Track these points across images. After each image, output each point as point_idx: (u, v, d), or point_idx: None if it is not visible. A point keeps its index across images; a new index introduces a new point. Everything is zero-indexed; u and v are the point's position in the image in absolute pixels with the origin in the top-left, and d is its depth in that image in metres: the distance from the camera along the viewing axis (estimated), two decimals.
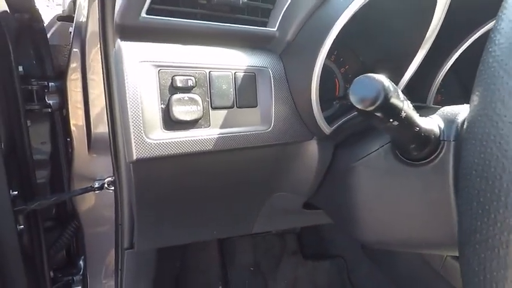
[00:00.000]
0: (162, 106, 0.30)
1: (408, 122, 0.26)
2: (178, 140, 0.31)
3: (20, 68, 0.49)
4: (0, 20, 0.42)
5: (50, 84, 0.54)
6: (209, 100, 0.32)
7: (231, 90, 0.34)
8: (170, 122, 0.31)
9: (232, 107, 0.34)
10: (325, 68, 0.50)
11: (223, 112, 0.33)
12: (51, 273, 0.61)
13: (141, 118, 0.29)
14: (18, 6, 0.45)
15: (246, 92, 0.35)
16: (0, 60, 0.42)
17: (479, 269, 0.19)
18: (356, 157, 0.42)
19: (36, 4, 0.50)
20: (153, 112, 0.30)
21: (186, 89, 0.31)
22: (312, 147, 0.43)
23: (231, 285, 0.98)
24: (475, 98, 0.21)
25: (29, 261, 0.52)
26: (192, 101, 0.31)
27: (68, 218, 0.65)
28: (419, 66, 0.41)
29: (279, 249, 1.10)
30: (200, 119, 0.32)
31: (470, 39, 0.46)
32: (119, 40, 0.30)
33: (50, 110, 0.55)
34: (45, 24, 0.55)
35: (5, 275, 0.47)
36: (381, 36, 0.44)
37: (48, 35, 0.56)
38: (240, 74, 0.34)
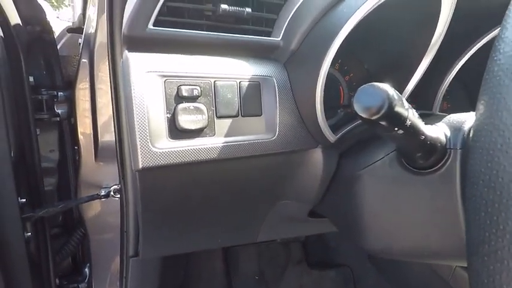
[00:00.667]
0: (168, 115, 0.31)
1: (413, 131, 0.25)
2: (184, 148, 0.31)
3: (31, 79, 0.50)
4: (13, 32, 0.43)
5: (59, 93, 0.55)
6: (214, 109, 0.33)
7: (236, 99, 0.34)
8: (175, 131, 0.31)
9: (237, 116, 0.34)
10: (329, 76, 0.50)
11: (228, 121, 0.34)
12: (57, 281, 0.61)
13: (147, 127, 0.29)
14: (30, 18, 0.46)
15: (250, 101, 0.35)
16: (12, 71, 0.43)
17: (488, 281, 0.18)
18: (361, 165, 0.41)
19: (47, 17, 0.51)
20: (159, 121, 0.30)
21: (192, 99, 0.32)
22: (317, 155, 0.43)
23: None
24: (480, 107, 0.21)
25: (36, 268, 0.52)
26: (198, 110, 0.32)
27: (75, 225, 0.65)
28: (424, 74, 0.41)
29: (283, 258, 1.09)
30: (205, 127, 0.32)
31: (475, 47, 0.46)
32: (126, 51, 0.31)
33: (58, 118, 0.56)
34: (55, 36, 0.57)
35: (12, 282, 0.47)
36: (385, 44, 0.44)
37: (58, 46, 0.57)
38: (245, 83, 0.34)
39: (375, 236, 0.42)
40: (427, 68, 0.41)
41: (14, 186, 0.44)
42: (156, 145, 0.30)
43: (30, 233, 0.49)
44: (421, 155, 0.30)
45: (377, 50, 0.47)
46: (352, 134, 0.43)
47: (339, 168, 0.45)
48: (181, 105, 0.31)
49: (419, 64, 0.41)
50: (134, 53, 0.31)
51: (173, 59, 0.32)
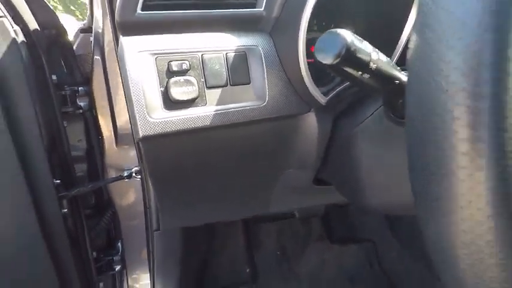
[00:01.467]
0: (162, 89, 0.35)
1: (382, 74, 0.27)
2: (178, 118, 0.35)
3: (54, 77, 0.56)
4: (33, 37, 0.49)
5: (79, 89, 0.61)
6: (204, 80, 0.36)
7: (224, 70, 0.37)
8: (170, 103, 0.35)
9: (226, 86, 0.37)
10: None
11: (218, 90, 0.37)
12: (94, 254, 0.70)
13: (143, 100, 0.34)
14: (46, 23, 0.52)
15: (238, 70, 0.38)
16: (37, 71, 0.49)
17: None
18: (354, 124, 0.43)
19: (61, 21, 0.57)
20: (154, 95, 0.34)
21: (182, 72, 0.35)
22: (311, 119, 0.45)
23: (258, 268, 1.02)
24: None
25: (74, 241, 0.60)
26: (188, 82, 0.35)
27: (105, 206, 0.73)
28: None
29: (304, 233, 1.12)
30: (197, 98, 0.36)
31: None
32: (121, 36, 0.35)
33: (81, 111, 0.63)
34: (71, 37, 0.63)
35: (56, 254, 0.55)
36: (368, 5, 0.45)
37: (74, 47, 0.63)
38: (231, 54, 0.37)
39: (371, 191, 0.44)
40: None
41: (49, 170, 0.51)
42: (153, 116, 0.34)
43: (66, 210, 0.56)
44: (402, 102, 0.31)
45: (362, 12, 0.47)
46: (344, 96, 0.44)
47: (334, 131, 0.47)
48: (172, 79, 0.35)
49: (406, 21, 0.42)
50: (127, 37, 0.35)
51: (162, 38, 0.35)
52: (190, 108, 0.36)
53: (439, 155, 0.16)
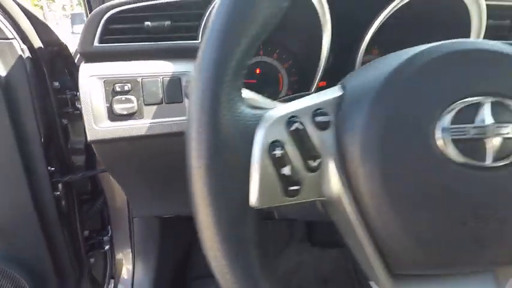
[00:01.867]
0: (107, 105, 0.45)
1: None
2: (119, 127, 0.45)
3: (56, 83, 0.69)
4: (37, 52, 0.62)
5: (77, 93, 0.74)
6: (142, 99, 0.46)
7: (160, 91, 0.46)
8: (113, 116, 0.45)
9: (162, 103, 0.47)
10: (269, 65, 0.60)
11: (154, 107, 0.46)
12: (86, 233, 0.83)
13: (91, 113, 0.44)
14: (49, 42, 0.65)
15: (172, 91, 0.47)
16: (39, 80, 0.62)
17: None
18: None
19: (62, 39, 0.70)
20: (101, 109, 0.44)
21: (124, 92, 0.45)
22: None
23: None
24: None
25: (66, 220, 0.73)
26: (129, 100, 0.45)
27: (99, 193, 0.86)
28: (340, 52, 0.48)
29: (287, 235, 1.18)
30: (135, 112, 0.46)
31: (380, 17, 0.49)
32: (82, 62, 0.46)
33: (79, 111, 0.76)
34: (72, 50, 0.76)
35: (47, 229, 0.68)
36: (298, 35, 0.52)
37: (76, 58, 0.76)
38: (167, 78, 0.47)
39: None
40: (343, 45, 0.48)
41: (44, 159, 0.64)
42: (99, 125, 0.45)
43: (59, 192, 0.69)
44: None
45: (298, 40, 0.54)
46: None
47: None
48: (116, 98, 0.45)
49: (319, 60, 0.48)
50: (85, 64, 0.45)
51: (112, 65, 0.46)
52: (130, 121, 0.46)
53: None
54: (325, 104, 0.24)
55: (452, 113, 0.22)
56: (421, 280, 0.26)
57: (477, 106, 0.22)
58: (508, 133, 0.22)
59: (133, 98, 0.45)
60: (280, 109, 0.23)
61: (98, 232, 0.89)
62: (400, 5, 0.46)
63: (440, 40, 0.24)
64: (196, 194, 0.22)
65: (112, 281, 0.94)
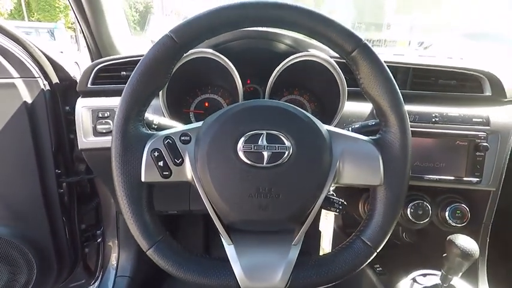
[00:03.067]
0: (93, 125, 0.67)
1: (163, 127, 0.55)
2: (101, 140, 0.67)
3: (67, 108, 0.93)
4: (54, 86, 0.87)
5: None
6: None
7: None
8: (96, 133, 0.67)
9: None
10: (214, 100, 0.82)
11: None
12: (83, 226, 1.04)
13: (82, 131, 0.66)
14: (63, 78, 0.90)
15: None
16: (53, 106, 0.86)
17: None
18: None
19: (72, 75, 0.95)
20: (88, 128, 0.67)
21: (104, 118, 0.67)
22: None
23: (212, 255, 1.26)
24: None
25: (67, 213, 0.95)
26: (107, 123, 0.67)
27: (94, 195, 1.08)
28: None
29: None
30: (111, 131, 0.67)
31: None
32: (80, 98, 0.69)
33: None
34: None
35: (52, 218, 0.90)
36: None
37: None
38: None
39: None
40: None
41: (53, 163, 0.87)
42: (87, 139, 0.67)
43: (63, 190, 0.92)
44: None
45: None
46: None
47: None
48: (99, 121, 0.67)
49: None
50: (81, 99, 0.68)
51: (97, 100, 0.69)
52: (107, 136, 0.68)
53: None
54: (190, 130, 0.44)
55: (246, 137, 0.42)
56: (246, 234, 0.45)
57: (260, 135, 0.42)
58: (275, 149, 0.41)
59: (110, 121, 0.68)
60: (163, 132, 0.44)
61: (92, 226, 1.10)
62: (288, 65, 0.67)
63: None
64: (114, 172, 0.42)
65: (103, 269, 1.14)
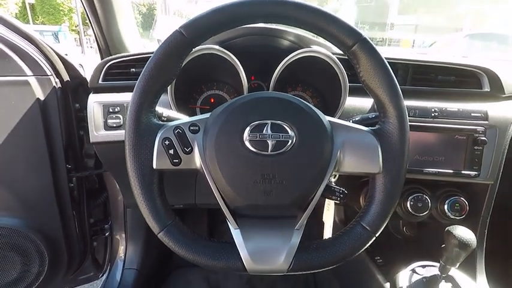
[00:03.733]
0: (104, 120, 0.70)
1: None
2: (112, 134, 0.70)
3: (77, 105, 0.96)
4: (65, 84, 0.90)
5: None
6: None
7: None
8: (107, 127, 0.70)
9: None
10: (219, 96, 0.84)
11: None
12: (92, 220, 1.07)
13: (93, 125, 0.69)
14: (74, 76, 0.93)
15: None
16: (64, 103, 0.89)
17: None
18: None
19: (82, 73, 0.98)
20: (100, 122, 0.70)
21: (115, 112, 0.70)
22: None
23: None
24: None
25: (76, 207, 0.98)
26: (118, 117, 0.70)
27: (103, 190, 1.11)
28: None
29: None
30: (121, 125, 0.70)
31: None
32: (91, 93, 0.72)
33: None
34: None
35: (62, 210, 0.93)
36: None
37: None
38: None
39: None
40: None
41: (64, 158, 0.90)
42: (98, 133, 0.70)
43: (73, 184, 0.95)
44: None
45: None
46: None
47: None
48: (109, 115, 0.70)
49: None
50: (92, 94, 0.71)
51: (108, 95, 0.71)
52: (118, 130, 0.70)
53: None
54: (199, 120, 0.47)
55: (252, 127, 0.44)
56: (251, 219, 0.47)
57: (265, 124, 0.44)
58: (279, 138, 0.44)
59: (120, 116, 0.71)
60: (173, 122, 0.47)
61: (101, 221, 1.13)
62: (291, 61, 0.69)
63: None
64: (127, 160, 0.45)
65: (111, 262, 1.17)
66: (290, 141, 0.44)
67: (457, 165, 0.72)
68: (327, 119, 0.47)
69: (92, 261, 1.12)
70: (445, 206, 0.73)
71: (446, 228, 0.61)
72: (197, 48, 0.66)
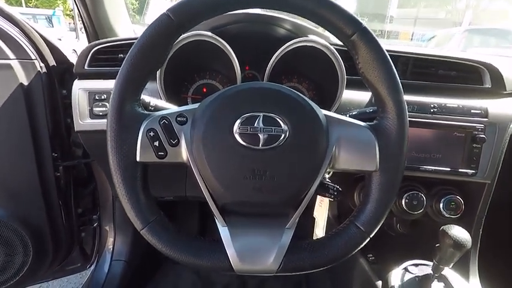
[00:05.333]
0: (89, 108, 0.67)
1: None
2: (97, 123, 0.67)
3: (64, 91, 0.92)
4: (51, 69, 0.86)
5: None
6: None
7: None
8: (93, 115, 0.67)
9: None
10: (212, 86, 0.81)
11: None
12: (80, 210, 1.04)
13: (78, 113, 0.66)
14: (60, 60, 0.89)
15: None
16: (50, 89, 0.85)
17: None
18: None
19: (69, 58, 0.94)
20: (85, 110, 0.66)
21: (101, 100, 0.67)
22: None
23: None
24: None
25: (63, 197, 0.95)
26: (104, 105, 0.67)
27: (91, 180, 1.08)
28: None
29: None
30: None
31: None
32: (76, 79, 0.68)
33: None
34: None
35: (48, 200, 0.90)
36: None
37: None
38: None
39: None
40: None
41: (49, 146, 0.86)
42: (83, 121, 0.67)
43: (59, 174, 0.91)
44: None
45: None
46: None
47: None
48: (95, 103, 0.67)
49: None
50: (78, 81, 0.68)
51: (94, 82, 0.68)
52: (104, 119, 0.67)
53: None
54: (186, 111, 0.44)
55: (243, 119, 0.41)
56: (240, 217, 0.45)
57: (256, 117, 0.42)
58: (271, 132, 0.41)
59: (107, 103, 0.67)
60: (159, 113, 0.44)
61: (89, 211, 1.11)
62: (286, 50, 0.66)
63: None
64: (109, 152, 0.42)
65: (99, 253, 1.15)
66: (283, 135, 0.41)
67: (455, 163, 0.70)
68: (322, 112, 0.45)
69: (79, 252, 1.10)
70: (441, 205, 0.72)
71: (442, 228, 0.59)
72: (187, 34, 0.62)
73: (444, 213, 0.72)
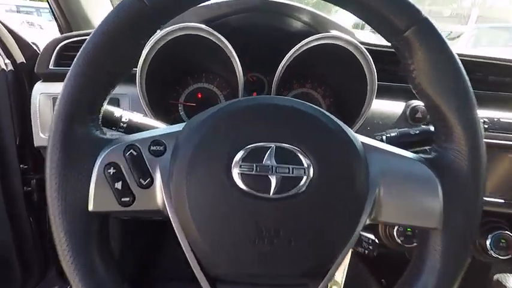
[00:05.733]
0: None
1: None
2: None
3: None
4: (18, 66, 0.72)
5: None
6: None
7: None
8: None
9: None
10: (208, 91, 0.67)
11: None
12: None
13: (38, 124, 0.53)
14: (30, 57, 0.75)
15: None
16: (18, 90, 0.72)
17: None
18: None
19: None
20: (47, 120, 0.53)
21: None
22: None
23: None
24: None
25: (35, 215, 0.82)
26: None
27: None
28: None
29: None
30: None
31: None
32: (39, 81, 0.55)
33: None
34: None
35: (14, 220, 0.77)
36: None
37: None
38: None
39: None
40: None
41: (17, 158, 0.73)
42: (46, 134, 0.53)
43: (30, 188, 0.78)
44: None
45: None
46: None
47: None
48: None
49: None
50: (40, 83, 0.54)
51: (61, 85, 0.54)
52: None
53: None
54: (165, 136, 0.31)
55: (246, 152, 0.28)
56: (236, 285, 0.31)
57: (266, 149, 0.28)
58: (287, 172, 0.28)
59: None
60: (125, 138, 0.30)
61: None
62: (303, 49, 0.52)
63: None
64: (47, 196, 0.29)
65: None
66: (305, 176, 0.28)
67: (507, 191, 0.57)
68: (359, 139, 0.31)
69: (56, 273, 0.97)
70: (487, 242, 0.58)
71: (496, 276, 0.46)
72: (176, 27, 0.49)
73: (491, 252, 0.58)
